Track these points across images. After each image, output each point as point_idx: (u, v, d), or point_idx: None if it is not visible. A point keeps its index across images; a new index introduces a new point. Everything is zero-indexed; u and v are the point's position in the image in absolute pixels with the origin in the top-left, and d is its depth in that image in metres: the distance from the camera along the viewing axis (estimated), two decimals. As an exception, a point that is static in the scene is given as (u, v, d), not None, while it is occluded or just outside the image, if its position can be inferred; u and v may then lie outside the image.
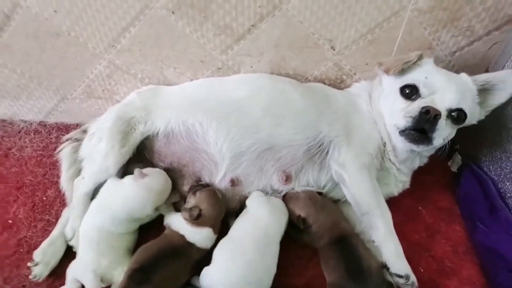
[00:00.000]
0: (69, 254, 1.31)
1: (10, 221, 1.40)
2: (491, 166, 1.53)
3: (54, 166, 1.54)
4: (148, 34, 1.44)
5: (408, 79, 1.33)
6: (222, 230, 1.31)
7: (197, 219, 1.26)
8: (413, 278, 1.22)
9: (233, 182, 1.38)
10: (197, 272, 1.22)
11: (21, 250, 1.33)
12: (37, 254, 1.29)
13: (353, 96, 1.51)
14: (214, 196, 1.32)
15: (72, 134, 1.53)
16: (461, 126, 1.32)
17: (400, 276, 1.21)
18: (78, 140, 1.49)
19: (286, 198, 1.35)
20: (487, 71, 1.51)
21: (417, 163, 1.45)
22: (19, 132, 1.68)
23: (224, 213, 1.34)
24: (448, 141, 1.32)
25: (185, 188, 1.39)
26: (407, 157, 1.41)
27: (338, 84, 1.60)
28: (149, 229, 1.35)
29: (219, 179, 1.38)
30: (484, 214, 1.43)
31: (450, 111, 1.28)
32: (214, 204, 1.30)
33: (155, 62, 1.53)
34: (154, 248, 1.22)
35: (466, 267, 1.36)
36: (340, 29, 1.44)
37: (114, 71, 1.56)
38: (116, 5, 1.37)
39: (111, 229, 1.27)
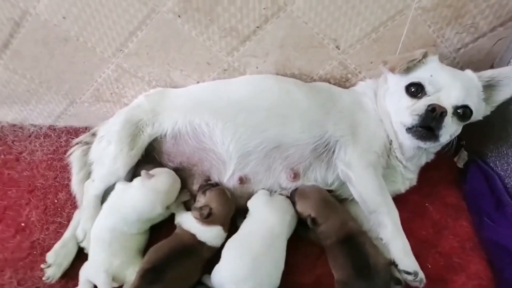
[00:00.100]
0: (81, 255, 1.33)
1: (23, 224, 1.43)
2: (497, 162, 1.54)
3: (65, 169, 1.56)
4: (155, 37, 1.46)
5: (414, 77, 1.34)
6: (231, 228, 1.33)
7: (207, 218, 1.27)
8: (421, 274, 1.23)
9: (242, 180, 1.39)
10: (208, 270, 1.24)
11: (34, 252, 1.36)
12: (50, 256, 1.31)
13: (359, 95, 1.51)
14: (224, 195, 1.33)
15: (82, 137, 1.55)
16: (467, 122, 1.33)
17: (408, 273, 1.22)
18: (88, 143, 1.52)
19: (296, 195, 1.36)
20: (492, 67, 1.51)
21: (423, 159, 1.45)
22: (30, 136, 1.70)
23: (234, 211, 1.36)
24: (454, 138, 1.33)
25: (195, 187, 1.41)
26: (413, 154, 1.41)
27: (343, 83, 1.60)
28: (160, 229, 1.37)
29: (228, 177, 1.39)
30: (491, 210, 1.44)
31: (456, 108, 1.28)
32: (223, 203, 1.32)
33: (162, 65, 1.54)
34: (166, 247, 1.24)
35: (473, 262, 1.36)
36: (344, 28, 1.45)
37: (122, 75, 1.58)
38: (123, 10, 1.39)
39: (124, 229, 1.29)
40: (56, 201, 1.49)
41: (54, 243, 1.35)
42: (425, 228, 1.45)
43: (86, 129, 1.68)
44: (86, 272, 1.26)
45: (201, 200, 1.33)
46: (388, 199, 1.34)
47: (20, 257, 1.34)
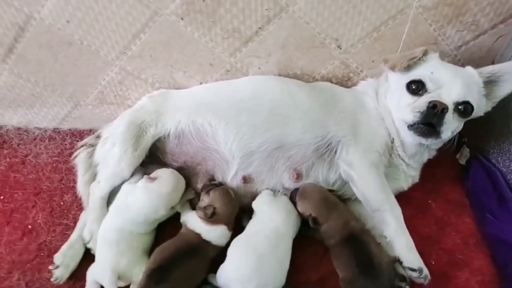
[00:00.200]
0: (88, 256, 1.34)
1: (29, 227, 1.44)
2: (499, 158, 1.54)
3: (70, 171, 1.57)
4: (158, 40, 1.46)
5: (414, 74, 1.34)
6: (235, 227, 1.34)
7: (211, 218, 1.28)
8: (426, 271, 1.24)
9: (245, 180, 1.40)
10: (213, 270, 1.25)
11: (42, 254, 1.37)
12: (57, 257, 1.32)
13: (360, 94, 1.52)
14: (228, 195, 1.34)
15: (87, 140, 1.56)
16: (468, 118, 1.34)
17: (413, 270, 1.23)
18: (93, 146, 1.53)
19: (297, 195, 1.37)
20: (493, 64, 1.51)
21: (426, 156, 1.46)
22: (35, 139, 1.71)
23: (237, 210, 1.36)
24: (456, 134, 1.34)
25: (200, 185, 1.42)
26: (416, 151, 1.42)
27: (345, 82, 1.61)
28: (165, 229, 1.38)
29: (231, 177, 1.40)
30: (493, 206, 1.45)
31: (457, 105, 1.29)
32: (227, 202, 1.33)
33: (165, 67, 1.55)
34: (171, 247, 1.25)
35: (476, 258, 1.37)
36: (346, 28, 1.45)
37: (126, 77, 1.59)
38: (126, 13, 1.40)
39: (132, 230, 1.30)
40: (62, 203, 1.51)
41: (61, 245, 1.36)
42: (428, 225, 1.45)
43: (90, 131, 1.70)
44: (93, 273, 1.27)
45: (205, 200, 1.34)
46: (390, 197, 1.35)
47: (28, 259, 1.35)
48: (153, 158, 1.47)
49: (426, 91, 1.31)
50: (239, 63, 1.55)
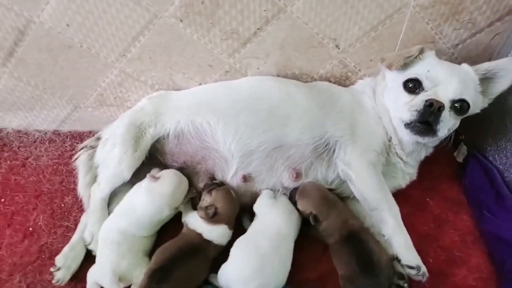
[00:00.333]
0: (89, 258, 1.35)
1: (30, 229, 1.44)
2: (496, 155, 1.55)
3: (70, 173, 1.57)
4: (158, 42, 1.47)
5: (411, 73, 1.35)
6: (236, 226, 1.35)
7: (212, 218, 1.29)
8: (424, 268, 1.24)
9: (245, 179, 1.41)
10: (215, 270, 1.26)
11: (43, 256, 1.37)
12: (58, 259, 1.32)
13: (358, 93, 1.53)
14: (229, 195, 1.35)
15: (87, 142, 1.57)
16: (464, 116, 1.35)
17: (411, 267, 1.24)
18: (93, 147, 1.53)
19: (297, 194, 1.38)
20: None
21: (423, 154, 1.47)
22: (35, 141, 1.71)
23: (238, 210, 1.37)
24: (452, 132, 1.35)
25: (201, 184, 1.43)
26: (413, 149, 1.43)
27: (343, 81, 1.62)
28: (166, 230, 1.39)
29: (231, 176, 1.41)
30: (490, 203, 1.46)
31: (453, 102, 1.30)
32: (229, 202, 1.33)
33: (164, 69, 1.56)
34: (173, 247, 1.26)
35: (474, 255, 1.38)
36: (344, 28, 1.46)
37: (125, 79, 1.59)
38: (125, 17, 1.40)
39: (136, 232, 1.31)
40: (62, 205, 1.51)
41: (62, 247, 1.36)
42: (426, 223, 1.46)
43: (90, 133, 1.70)
44: (93, 275, 1.27)
45: (206, 200, 1.35)
46: (388, 196, 1.36)
47: (29, 261, 1.36)
48: (153, 161, 1.47)
49: (422, 89, 1.32)
50: (238, 64, 1.56)
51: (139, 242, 1.32)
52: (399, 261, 1.27)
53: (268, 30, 1.46)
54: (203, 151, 1.44)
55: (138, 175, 1.43)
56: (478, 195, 1.51)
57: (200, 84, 1.61)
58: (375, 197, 1.34)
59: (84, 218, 1.44)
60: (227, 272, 1.23)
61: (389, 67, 1.39)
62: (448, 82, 1.31)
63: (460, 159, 1.64)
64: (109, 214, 1.39)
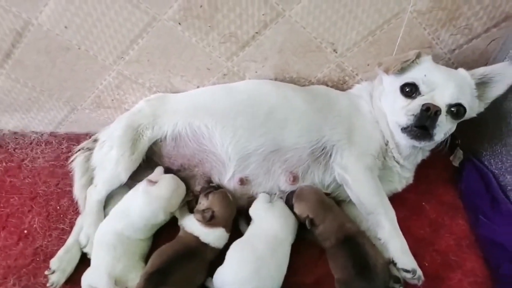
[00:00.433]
0: (84, 260, 1.34)
1: (25, 231, 1.43)
2: (492, 160, 1.56)
3: (66, 175, 1.56)
4: (156, 45, 1.47)
5: (408, 77, 1.36)
6: (232, 229, 1.34)
7: (210, 221, 1.29)
8: (419, 272, 1.25)
9: (242, 182, 1.41)
10: (212, 274, 1.25)
11: (38, 259, 1.36)
12: (53, 262, 1.31)
13: (355, 97, 1.54)
14: (226, 198, 1.35)
15: (84, 144, 1.56)
16: (461, 120, 1.35)
17: (407, 271, 1.24)
18: (90, 149, 1.52)
19: (294, 197, 1.38)
20: (486, 67, 1.54)
21: (420, 157, 1.48)
22: (31, 143, 1.71)
23: (235, 213, 1.37)
24: (449, 136, 1.36)
25: (197, 188, 1.43)
26: (410, 153, 1.44)
27: (341, 85, 1.63)
28: (161, 234, 1.38)
29: (228, 178, 1.41)
30: (486, 207, 1.46)
31: (449, 107, 1.31)
32: (226, 206, 1.33)
33: (162, 71, 1.56)
34: (170, 250, 1.25)
35: (469, 260, 1.38)
36: (342, 32, 1.47)
37: (123, 81, 1.59)
38: (124, 19, 1.40)
39: (131, 235, 1.30)
40: (58, 207, 1.50)
41: (57, 250, 1.35)
42: (422, 227, 1.47)
43: (87, 135, 1.69)
44: (88, 278, 1.26)
45: (203, 203, 1.35)
46: (384, 200, 1.36)
47: (24, 264, 1.34)
48: (150, 163, 1.47)
49: (419, 93, 1.33)
50: (236, 67, 1.56)
51: (134, 245, 1.31)
52: (395, 264, 1.27)
53: (266, 34, 1.47)
54: (200, 154, 1.44)
55: (135, 178, 1.42)
56: (473, 200, 1.51)
57: (198, 87, 1.61)
58: (372, 201, 1.35)
59: (79, 221, 1.43)
60: (223, 275, 1.23)
61: (386, 71, 1.40)
62: (444, 86, 1.32)
63: (456, 163, 1.65)
64: (105, 216, 1.39)
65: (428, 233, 1.45)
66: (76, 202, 1.48)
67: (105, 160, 1.43)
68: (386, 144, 1.44)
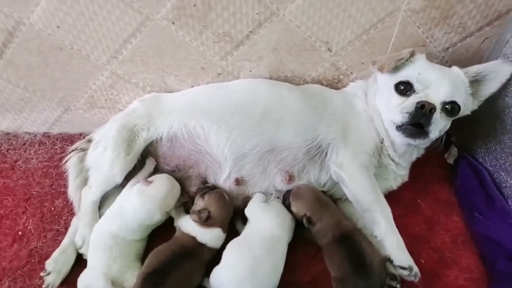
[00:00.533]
0: (80, 261, 1.33)
1: (20, 233, 1.42)
2: (486, 157, 1.57)
3: (60, 176, 1.55)
4: (149, 44, 1.47)
5: (402, 75, 1.37)
6: (229, 230, 1.34)
7: (206, 221, 1.29)
8: (416, 269, 1.25)
9: (238, 182, 1.41)
10: (206, 273, 1.25)
11: (33, 260, 1.35)
12: (49, 264, 1.31)
13: (350, 96, 1.54)
14: (222, 198, 1.35)
15: (78, 144, 1.55)
16: (455, 117, 1.36)
17: (404, 268, 1.24)
18: (84, 150, 1.51)
19: (291, 196, 1.38)
20: (479, 65, 1.55)
21: (415, 155, 1.49)
22: (24, 144, 1.70)
23: (232, 213, 1.37)
24: (444, 133, 1.36)
25: (193, 189, 1.43)
26: (405, 151, 1.44)
27: (335, 84, 1.63)
28: (158, 234, 1.37)
29: (224, 179, 1.41)
30: (481, 204, 1.47)
31: (444, 104, 1.31)
32: (222, 206, 1.33)
33: (156, 71, 1.55)
34: (167, 251, 1.25)
35: (465, 256, 1.39)
36: (336, 31, 1.47)
37: (116, 81, 1.58)
38: (117, 19, 1.39)
39: (126, 236, 1.30)
40: (53, 208, 1.49)
41: (52, 251, 1.34)
42: (417, 224, 1.47)
43: (80, 135, 1.68)
44: (84, 279, 1.25)
45: (199, 203, 1.35)
46: (380, 198, 1.36)
47: (18, 266, 1.33)
48: (145, 164, 1.46)
49: (414, 91, 1.34)
50: (231, 66, 1.56)
51: (130, 245, 1.31)
52: (391, 262, 1.27)
53: (260, 33, 1.47)
54: (196, 154, 1.43)
55: (130, 178, 1.41)
56: (468, 197, 1.52)
57: (192, 86, 1.60)
58: (367, 198, 1.35)
59: (75, 221, 1.43)
60: (220, 275, 1.23)
61: (381, 69, 1.40)
62: (439, 84, 1.32)
63: (450, 161, 1.65)
64: (100, 217, 1.38)
65: (424, 230, 1.46)
66: (71, 203, 1.47)
67: (100, 161, 1.43)
68: (381, 142, 1.44)
